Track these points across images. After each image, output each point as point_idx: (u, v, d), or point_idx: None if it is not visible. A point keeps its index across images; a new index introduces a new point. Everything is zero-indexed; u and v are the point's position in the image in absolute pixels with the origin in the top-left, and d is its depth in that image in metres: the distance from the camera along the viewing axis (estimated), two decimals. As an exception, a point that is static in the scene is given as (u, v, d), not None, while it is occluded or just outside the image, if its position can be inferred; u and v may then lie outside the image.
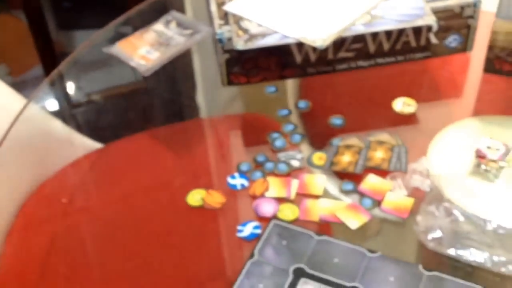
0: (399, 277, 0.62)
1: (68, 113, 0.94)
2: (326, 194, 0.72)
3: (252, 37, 0.81)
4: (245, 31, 0.81)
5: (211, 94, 0.94)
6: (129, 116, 0.90)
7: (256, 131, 0.82)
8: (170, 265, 0.67)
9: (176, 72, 0.94)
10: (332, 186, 0.73)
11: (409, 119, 0.80)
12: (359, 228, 0.68)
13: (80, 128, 0.90)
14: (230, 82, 0.84)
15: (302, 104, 0.83)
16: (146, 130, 0.85)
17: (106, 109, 0.94)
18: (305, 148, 0.78)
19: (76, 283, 0.67)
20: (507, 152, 0.72)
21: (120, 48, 0.88)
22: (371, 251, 0.64)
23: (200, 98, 0.95)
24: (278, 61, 0.83)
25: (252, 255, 0.65)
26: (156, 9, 0.98)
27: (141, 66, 0.85)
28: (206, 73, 0.95)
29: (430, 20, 0.81)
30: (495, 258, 0.62)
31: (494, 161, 0.71)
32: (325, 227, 0.69)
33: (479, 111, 0.82)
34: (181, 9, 1.00)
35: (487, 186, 0.70)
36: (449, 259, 0.64)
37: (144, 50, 0.88)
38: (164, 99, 0.93)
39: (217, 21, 0.84)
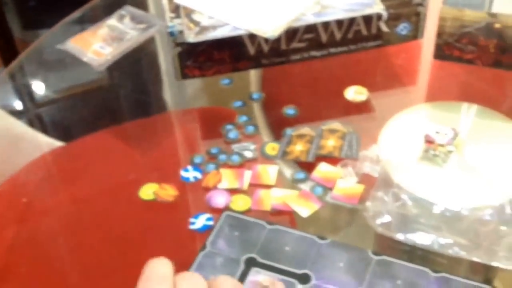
0: (349, 262, 0.63)
1: (30, 111, 0.93)
2: (280, 183, 0.73)
3: (203, 29, 0.81)
4: (196, 23, 0.81)
5: (171, 88, 0.94)
6: (89, 114, 0.90)
7: (212, 124, 0.82)
8: (125, 261, 0.67)
9: (138, 68, 0.94)
10: (285, 175, 0.74)
11: (361, 107, 0.81)
12: (311, 216, 0.68)
13: (42, 126, 0.90)
14: (184, 76, 0.84)
15: (256, 95, 0.84)
16: (106, 127, 0.85)
17: (67, 107, 0.93)
18: (259, 139, 0.78)
19: (36, 283, 0.67)
20: (455, 136, 0.73)
21: (74, 45, 0.88)
22: (322, 238, 0.65)
23: (163, 93, 0.95)
24: (232, 53, 0.83)
25: (204, 247, 0.65)
26: (113, 4, 0.97)
27: (94, 61, 0.85)
28: (166, 68, 0.95)
29: (379, 8, 0.82)
30: (442, 241, 0.63)
31: (442, 145, 0.72)
32: (291, 217, 0.69)
33: (429, 97, 0.83)
34: (143, 3, 1.00)
35: (435, 170, 0.71)
36: (399, 243, 0.65)
37: (97, 45, 0.87)
38: (125, 95, 0.93)
39: (168, 14, 0.84)
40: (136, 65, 0.93)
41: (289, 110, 0.81)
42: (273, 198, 0.70)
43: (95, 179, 0.77)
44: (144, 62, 0.96)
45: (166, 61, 0.92)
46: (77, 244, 0.70)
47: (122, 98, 0.92)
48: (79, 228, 0.71)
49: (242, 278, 0.62)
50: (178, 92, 0.92)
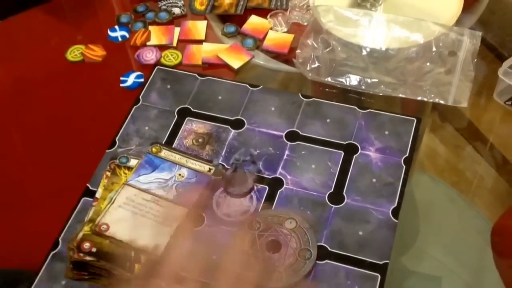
0: (280, 106, 0.64)
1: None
2: (210, 38, 0.72)
3: None
4: None
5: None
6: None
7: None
8: (56, 121, 0.66)
9: None
10: (215, 30, 0.73)
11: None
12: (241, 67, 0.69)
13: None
14: None
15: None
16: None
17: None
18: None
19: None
20: (383, -20, 0.73)
21: None
22: (253, 86, 0.66)
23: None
24: None
25: (137, 101, 0.65)
26: None
27: None
28: None
29: None
30: (369, 80, 0.65)
31: (370, -10, 0.72)
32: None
33: None
34: None
35: (364, 14, 0.71)
36: (329, 87, 0.66)
37: None
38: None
39: None
40: None
41: (217, -34, 0.79)
42: (204, 52, 0.70)
43: (25, 51, 0.75)
44: None
45: None
46: (14, 113, 0.68)
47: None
48: (14, 99, 0.70)
49: (176, 128, 0.63)
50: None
